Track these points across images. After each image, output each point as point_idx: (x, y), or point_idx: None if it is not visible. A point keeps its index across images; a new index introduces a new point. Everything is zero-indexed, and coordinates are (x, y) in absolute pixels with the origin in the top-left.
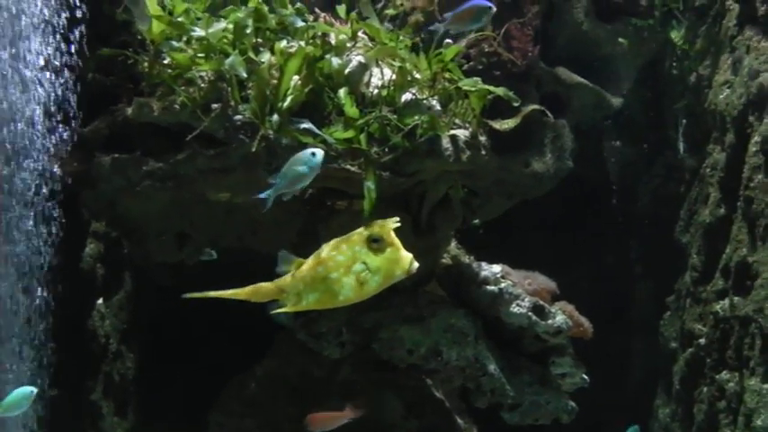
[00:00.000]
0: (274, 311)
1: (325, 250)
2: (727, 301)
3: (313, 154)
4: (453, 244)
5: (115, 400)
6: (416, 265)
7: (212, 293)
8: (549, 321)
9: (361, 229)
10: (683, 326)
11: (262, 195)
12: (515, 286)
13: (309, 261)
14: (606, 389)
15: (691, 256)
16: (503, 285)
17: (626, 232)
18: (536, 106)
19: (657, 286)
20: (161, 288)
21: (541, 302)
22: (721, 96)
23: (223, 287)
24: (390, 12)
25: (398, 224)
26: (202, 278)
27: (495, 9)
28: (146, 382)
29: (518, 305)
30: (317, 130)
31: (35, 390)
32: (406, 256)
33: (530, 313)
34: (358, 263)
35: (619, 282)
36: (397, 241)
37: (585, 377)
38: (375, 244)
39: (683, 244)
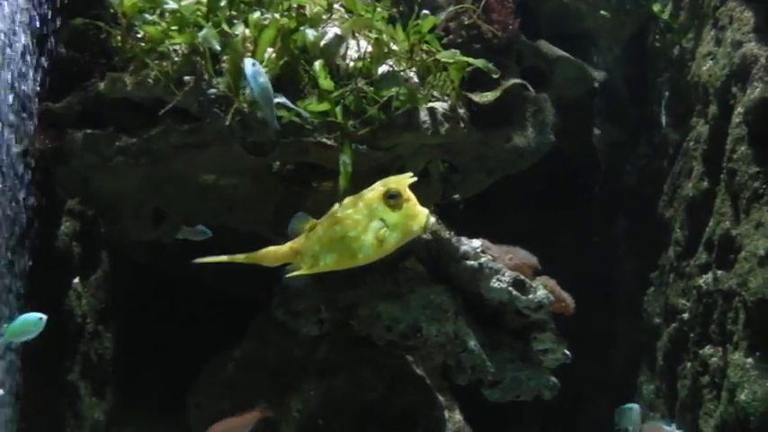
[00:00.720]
0: (290, 275)
1: (341, 209)
2: (710, 275)
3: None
4: (433, 219)
5: (93, 380)
6: (432, 219)
7: (223, 258)
8: (530, 296)
9: (377, 186)
10: (666, 301)
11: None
12: (496, 261)
13: (324, 221)
14: (590, 365)
15: (674, 231)
16: (483, 260)
17: (611, 209)
18: (517, 80)
19: (641, 263)
20: (140, 266)
21: (522, 277)
22: (704, 68)
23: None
24: None
25: (415, 179)
26: (180, 256)
27: None
28: (124, 362)
29: (498, 280)
30: (291, 105)
31: (44, 317)
32: (422, 211)
33: (510, 288)
34: (375, 220)
35: (603, 258)
36: (412, 197)
37: (567, 353)
38: (392, 200)
39: (667, 219)
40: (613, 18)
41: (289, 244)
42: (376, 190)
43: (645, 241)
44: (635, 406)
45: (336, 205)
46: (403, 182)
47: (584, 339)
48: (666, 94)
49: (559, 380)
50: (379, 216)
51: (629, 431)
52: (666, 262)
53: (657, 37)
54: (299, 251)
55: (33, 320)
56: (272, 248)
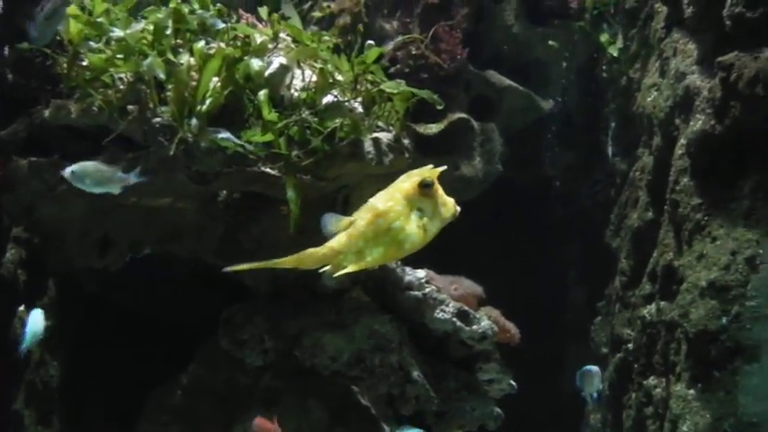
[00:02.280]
0: (338, 273)
1: (379, 202)
2: (653, 306)
3: None
4: None
5: (38, 409)
6: (459, 208)
7: (259, 264)
8: (474, 327)
9: (411, 175)
10: (612, 331)
11: None
12: (440, 291)
13: (362, 217)
14: (540, 394)
15: (620, 261)
16: (427, 290)
17: (563, 235)
18: (462, 115)
19: (591, 291)
20: (88, 295)
21: (466, 308)
22: (649, 99)
23: (147, 292)
24: (317, 14)
25: (445, 168)
26: (128, 284)
27: None
28: (71, 390)
29: (442, 310)
30: (235, 139)
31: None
32: (450, 199)
33: (454, 319)
34: (414, 209)
35: (554, 286)
36: (439, 186)
37: (513, 383)
38: (426, 189)
39: (614, 248)
40: (562, 48)
41: (327, 244)
42: (411, 180)
43: (595, 269)
44: (595, 368)
45: (370, 201)
46: (435, 171)
47: (534, 367)
48: (613, 124)
49: (507, 407)
50: (417, 205)
51: (591, 396)
52: (613, 291)
53: (605, 67)
54: (340, 250)
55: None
56: (310, 250)
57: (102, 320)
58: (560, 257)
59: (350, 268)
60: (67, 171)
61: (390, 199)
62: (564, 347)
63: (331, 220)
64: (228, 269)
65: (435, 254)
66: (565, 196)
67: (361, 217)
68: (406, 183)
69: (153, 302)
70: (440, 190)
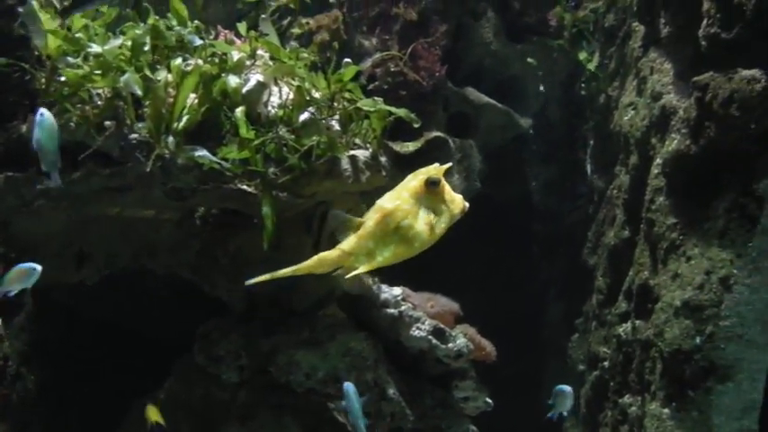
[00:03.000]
0: (350, 275)
1: (387, 202)
2: (629, 325)
3: None
4: None
5: (14, 423)
6: (467, 204)
7: (276, 273)
8: (450, 345)
9: (418, 174)
10: (589, 348)
11: None
12: (416, 309)
13: (371, 217)
14: (517, 411)
15: (597, 279)
16: (403, 308)
17: (544, 251)
18: (438, 133)
19: (569, 308)
20: (66, 308)
21: (442, 326)
22: (626, 118)
23: (123, 307)
24: (296, 31)
25: (450, 165)
26: (105, 298)
27: None
28: (48, 404)
29: (418, 328)
30: (211, 156)
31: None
32: (458, 195)
33: (430, 336)
34: (423, 208)
35: (532, 303)
36: (446, 184)
37: (489, 401)
38: (433, 187)
39: (591, 266)
40: (541, 65)
41: (338, 247)
42: (418, 179)
43: (574, 285)
44: (567, 388)
45: (378, 201)
46: (441, 169)
47: (511, 383)
48: (591, 142)
49: (484, 425)
50: (425, 203)
51: (563, 414)
52: (590, 309)
53: (584, 85)
54: (351, 252)
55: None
56: (322, 255)
57: (79, 334)
58: (539, 274)
59: (362, 269)
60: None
61: (398, 198)
62: (542, 364)
63: (338, 221)
64: (250, 282)
65: (413, 271)
66: (545, 213)
67: (370, 217)
68: (413, 181)
69: (130, 316)
70: (447, 187)
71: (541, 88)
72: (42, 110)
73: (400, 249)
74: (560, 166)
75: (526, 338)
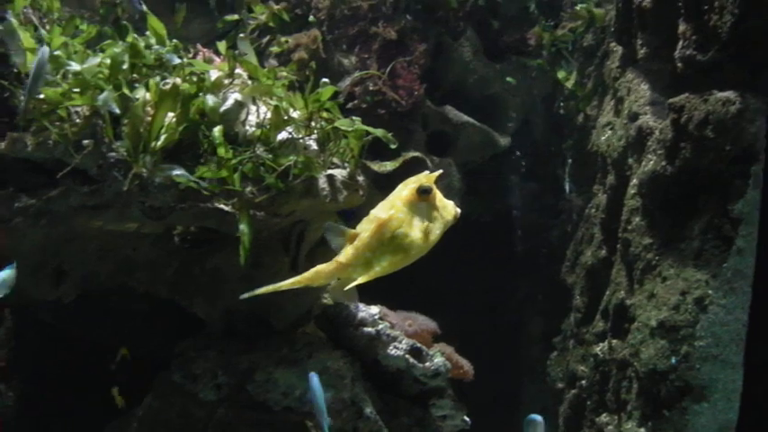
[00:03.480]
0: (349, 287)
1: (381, 212)
2: (606, 344)
3: None
4: (334, 283)
5: None
6: (459, 210)
7: (277, 285)
8: (427, 364)
9: (407, 183)
10: (567, 366)
11: None
12: (393, 328)
13: (366, 228)
14: (496, 428)
15: (575, 297)
16: (380, 327)
17: (520, 270)
18: (416, 153)
19: (548, 325)
20: (45, 325)
21: (419, 345)
22: (603, 138)
23: (102, 324)
24: (275, 49)
25: (441, 172)
26: (82, 315)
27: None
28: (28, 420)
29: (395, 347)
30: (189, 176)
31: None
32: (450, 202)
33: (407, 356)
34: (416, 215)
35: (511, 320)
36: (437, 191)
37: (467, 419)
38: (425, 194)
39: (569, 284)
40: (520, 84)
41: (335, 259)
42: (409, 187)
43: (553, 303)
44: (538, 418)
45: (372, 212)
46: (431, 177)
47: (490, 401)
48: (570, 160)
49: None
50: (418, 211)
51: None
52: (568, 327)
53: (562, 104)
54: (348, 264)
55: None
56: (319, 267)
57: (59, 350)
58: (519, 291)
59: (360, 279)
60: None
61: (392, 207)
62: (521, 381)
63: (333, 231)
64: (246, 295)
65: (392, 289)
66: (526, 229)
67: (365, 228)
68: (405, 190)
69: (110, 333)
70: (438, 194)
71: (520, 107)
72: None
73: (397, 258)
74: (542, 182)
75: (505, 356)
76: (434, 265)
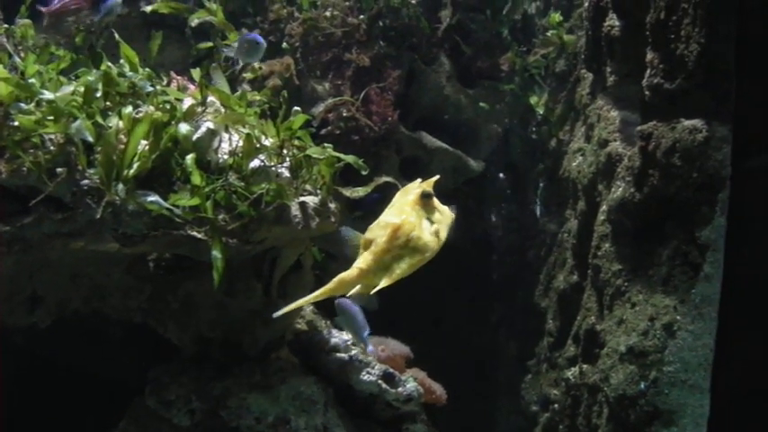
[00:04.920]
0: (374, 290)
1: (393, 218)
2: (577, 369)
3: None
4: (309, 308)
5: None
6: (453, 214)
7: (303, 300)
8: (400, 389)
9: (411, 189)
10: (541, 390)
11: None
12: (366, 354)
13: (380, 234)
14: None
15: (547, 322)
16: (353, 353)
17: (496, 293)
18: (388, 178)
19: (524, 347)
20: (21, 350)
21: (391, 370)
22: (574, 164)
23: (75, 349)
24: (249, 75)
25: (438, 177)
26: (55, 340)
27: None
28: None
29: (368, 373)
30: (162, 203)
31: None
32: (444, 206)
33: (379, 381)
34: (424, 218)
35: (487, 343)
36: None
37: None
38: (427, 199)
39: (542, 308)
40: (493, 109)
41: (355, 266)
42: (414, 193)
43: (528, 325)
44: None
45: (381, 218)
46: (430, 182)
47: (465, 424)
48: (542, 185)
49: None
50: (423, 215)
51: None
52: (542, 351)
53: (535, 129)
54: (369, 269)
55: None
56: (341, 276)
57: (35, 375)
58: (494, 314)
59: (382, 284)
60: None
61: (402, 212)
62: (496, 404)
63: (348, 237)
64: (277, 314)
65: (366, 313)
66: (500, 254)
67: (380, 234)
68: (410, 196)
69: (85, 358)
70: (435, 199)
71: (494, 132)
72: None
73: (415, 260)
74: (517, 206)
75: (480, 379)
76: (409, 288)
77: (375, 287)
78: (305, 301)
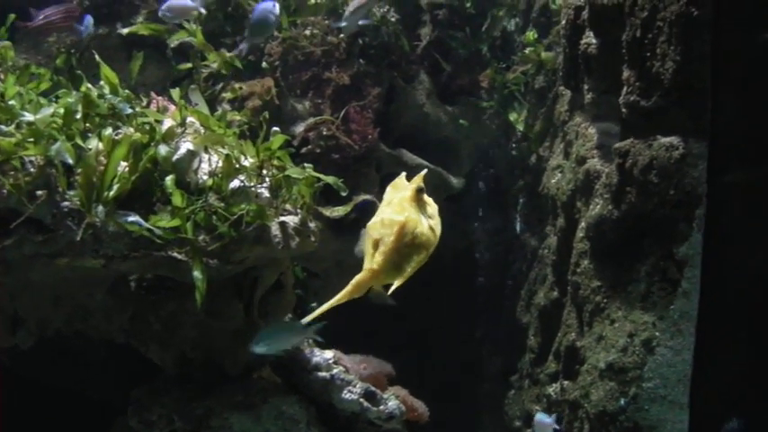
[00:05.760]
0: (391, 290)
1: (396, 215)
2: (558, 385)
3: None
4: None
5: None
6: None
7: (324, 307)
8: (381, 407)
9: (401, 184)
10: (523, 405)
11: None
12: (348, 372)
13: (387, 233)
14: None
15: (528, 338)
16: (334, 372)
17: (479, 307)
18: (367, 196)
19: (507, 362)
20: (5, 369)
21: (373, 388)
22: (553, 180)
23: (58, 369)
24: (228, 95)
25: (426, 171)
26: (38, 360)
27: None
28: None
29: (349, 391)
30: (143, 222)
31: None
32: (430, 198)
33: (361, 399)
34: (421, 214)
35: (470, 358)
36: None
37: None
38: (421, 194)
39: (524, 324)
40: (473, 126)
41: (367, 268)
42: (409, 188)
43: (511, 340)
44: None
45: (383, 218)
46: (420, 176)
47: None
48: (522, 200)
49: None
50: (420, 210)
51: None
52: (524, 366)
53: (515, 145)
54: (381, 269)
55: None
56: (357, 278)
57: (18, 395)
58: (478, 329)
59: (397, 283)
60: None
61: (403, 209)
62: (479, 419)
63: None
64: (307, 319)
65: (348, 330)
66: (483, 269)
67: (386, 233)
68: (406, 191)
69: (68, 377)
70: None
71: (474, 149)
72: None
73: (420, 256)
74: (499, 222)
75: (464, 394)
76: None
77: (390, 285)
78: (329, 305)
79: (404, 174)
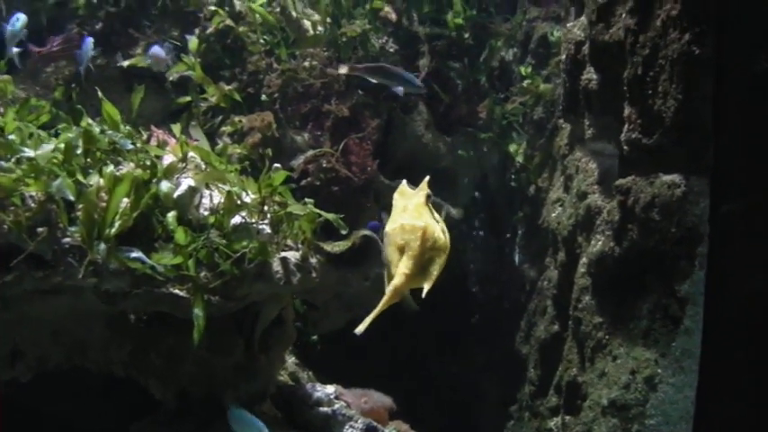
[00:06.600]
0: (424, 293)
1: (417, 221)
2: (559, 419)
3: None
4: (291, 360)
5: None
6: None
7: (374, 313)
8: None
9: (407, 192)
10: None
11: None
12: (349, 407)
13: (411, 238)
14: None
15: (528, 370)
16: (336, 407)
17: (478, 339)
18: (367, 232)
19: (506, 392)
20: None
21: (374, 423)
22: (554, 214)
23: (56, 400)
24: (228, 128)
25: (428, 177)
26: (38, 391)
27: None
28: None
29: (351, 427)
30: (146, 259)
31: None
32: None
33: None
34: (434, 219)
35: (469, 388)
36: None
37: None
38: (429, 200)
39: (524, 355)
40: (472, 156)
41: (401, 272)
42: (419, 195)
43: (512, 370)
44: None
45: (403, 223)
46: (425, 183)
47: None
48: (520, 232)
49: None
50: (432, 215)
51: None
52: (524, 397)
53: (513, 176)
54: (412, 274)
55: None
56: (394, 284)
57: (17, 426)
58: (477, 359)
59: (427, 287)
60: None
61: (420, 215)
62: None
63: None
64: (359, 330)
65: (349, 363)
66: (482, 299)
67: (411, 238)
68: (419, 198)
69: (67, 409)
70: None
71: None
72: None
73: (441, 260)
74: (498, 253)
75: (464, 425)
76: (391, 334)
77: (422, 289)
78: (375, 313)
79: (405, 181)
